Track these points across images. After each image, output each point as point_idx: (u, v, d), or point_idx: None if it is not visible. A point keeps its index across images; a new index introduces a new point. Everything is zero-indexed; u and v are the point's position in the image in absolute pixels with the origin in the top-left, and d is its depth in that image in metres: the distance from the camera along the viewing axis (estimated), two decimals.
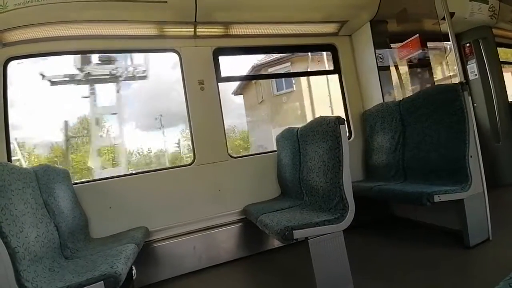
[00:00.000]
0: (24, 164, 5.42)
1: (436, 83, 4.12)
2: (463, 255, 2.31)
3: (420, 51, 3.43)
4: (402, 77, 3.92)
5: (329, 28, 3.78)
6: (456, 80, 2.69)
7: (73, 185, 2.68)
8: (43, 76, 5.69)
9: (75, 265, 1.85)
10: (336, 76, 3.96)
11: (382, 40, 3.70)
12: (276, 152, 3.45)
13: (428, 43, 3.70)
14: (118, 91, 7.20)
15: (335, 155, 2.13)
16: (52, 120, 7.42)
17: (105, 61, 5.80)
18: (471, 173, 2.42)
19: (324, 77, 7.15)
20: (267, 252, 3.14)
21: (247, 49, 3.64)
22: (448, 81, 3.73)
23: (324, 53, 4.86)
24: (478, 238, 2.42)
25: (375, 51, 3.63)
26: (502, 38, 4.80)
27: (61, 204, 2.27)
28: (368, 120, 3.71)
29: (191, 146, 3.21)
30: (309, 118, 7.60)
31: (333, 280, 1.96)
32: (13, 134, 2.75)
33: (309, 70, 10.30)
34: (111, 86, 7.26)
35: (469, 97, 2.49)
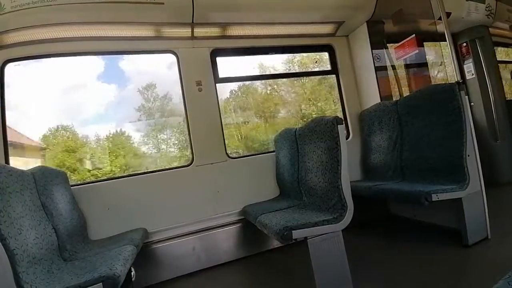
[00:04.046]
0: None
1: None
2: (462, 254, 2.31)
3: (417, 51, 3.44)
4: (399, 76, 3.93)
5: (326, 28, 3.79)
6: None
7: (71, 187, 2.68)
8: None
9: (73, 267, 1.84)
10: None
11: (379, 41, 3.72)
12: (274, 153, 3.46)
13: (424, 43, 3.72)
14: None
15: (333, 155, 2.14)
16: None
17: None
18: (468, 172, 2.43)
19: None
20: (266, 253, 3.15)
21: (244, 50, 3.64)
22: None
23: None
24: (477, 237, 2.42)
25: (372, 51, 3.65)
26: (499, 37, 4.83)
27: (59, 206, 2.26)
28: (366, 120, 3.72)
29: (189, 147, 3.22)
30: None
31: (332, 280, 1.96)
32: None
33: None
34: None
35: (466, 97, 2.51)
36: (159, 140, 4.60)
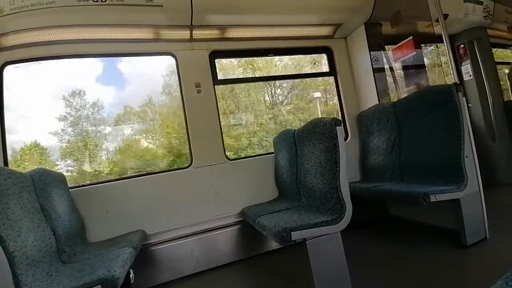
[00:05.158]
0: None
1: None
2: (460, 254, 2.32)
3: (414, 52, 3.45)
4: (397, 78, 3.95)
5: (324, 30, 3.81)
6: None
7: (70, 189, 2.67)
8: None
9: (72, 269, 1.84)
10: None
11: (376, 42, 3.74)
12: (273, 154, 3.46)
13: (422, 44, 3.74)
14: None
15: (331, 156, 2.14)
16: None
17: None
18: (466, 173, 2.44)
19: None
20: (265, 254, 3.14)
21: (243, 52, 3.67)
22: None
23: None
24: (475, 237, 2.43)
25: (370, 53, 3.67)
26: (497, 38, 4.85)
27: (58, 209, 2.26)
28: (364, 121, 3.73)
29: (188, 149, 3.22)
30: None
31: (332, 281, 1.96)
32: None
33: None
34: None
35: (463, 98, 2.51)
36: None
